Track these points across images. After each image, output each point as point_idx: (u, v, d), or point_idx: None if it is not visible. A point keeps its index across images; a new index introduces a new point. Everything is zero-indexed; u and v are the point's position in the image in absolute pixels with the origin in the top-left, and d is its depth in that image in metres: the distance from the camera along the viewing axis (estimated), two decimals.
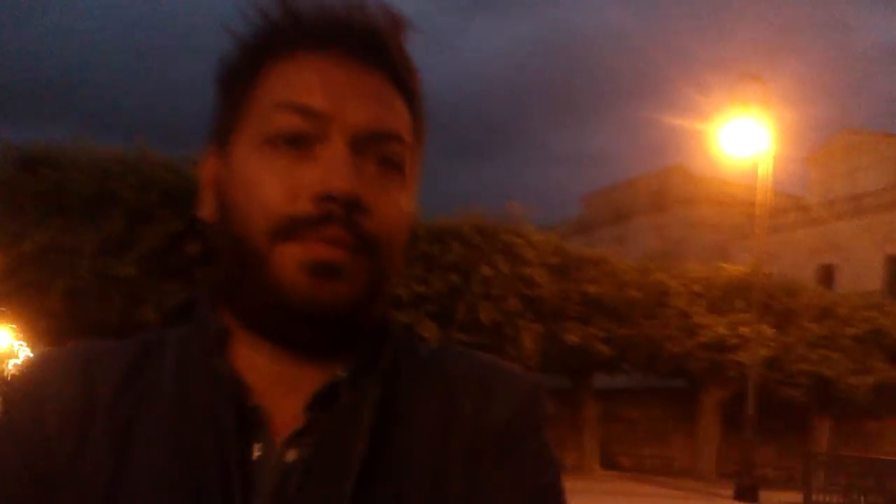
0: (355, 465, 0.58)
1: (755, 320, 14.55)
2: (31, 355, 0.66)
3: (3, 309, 10.43)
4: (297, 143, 0.59)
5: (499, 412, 0.62)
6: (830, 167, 30.52)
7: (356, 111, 0.60)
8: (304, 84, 0.60)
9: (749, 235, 19.53)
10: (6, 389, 0.62)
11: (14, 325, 11.02)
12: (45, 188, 9.46)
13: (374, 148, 0.60)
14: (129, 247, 9.60)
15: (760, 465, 14.32)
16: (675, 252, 23.42)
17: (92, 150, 9.83)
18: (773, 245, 21.81)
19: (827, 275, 26.73)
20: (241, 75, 0.63)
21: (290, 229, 0.57)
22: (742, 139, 14.95)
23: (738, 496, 13.63)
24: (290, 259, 0.57)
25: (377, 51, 0.62)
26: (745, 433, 14.04)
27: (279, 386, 0.61)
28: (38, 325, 10.43)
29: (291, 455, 0.59)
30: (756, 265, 14.96)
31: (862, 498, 11.21)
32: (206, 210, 0.65)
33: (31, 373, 0.62)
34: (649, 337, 14.88)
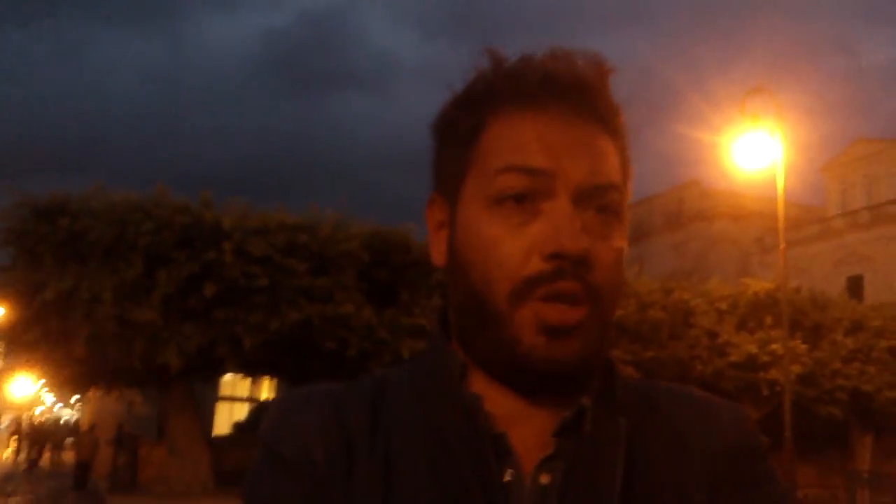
0: (616, 489, 0.61)
1: (785, 336, 14.25)
2: (273, 401, 0.70)
3: (27, 357, 10.45)
4: (524, 201, 0.63)
5: (725, 438, 0.67)
6: (846, 177, 30.15)
7: (576, 166, 0.63)
8: (525, 144, 0.64)
9: (769, 249, 19.27)
10: (269, 433, 0.67)
11: (37, 373, 11.06)
12: (63, 237, 9.52)
13: (594, 200, 0.63)
14: (148, 291, 9.61)
15: (802, 485, 13.89)
16: (696, 269, 23.13)
17: (108, 198, 9.91)
18: (795, 258, 21.47)
19: (856, 286, 26.22)
20: (462, 132, 0.67)
21: (527, 289, 0.61)
22: (755, 152, 14.81)
23: None
24: (528, 322, 0.61)
25: (589, 103, 0.66)
26: (783, 452, 13.66)
27: (514, 416, 0.65)
28: (62, 372, 10.44)
29: (545, 478, 0.62)
30: (782, 280, 14.70)
31: None
32: (436, 254, 0.70)
33: (288, 415, 0.67)
34: (677, 358, 14.59)
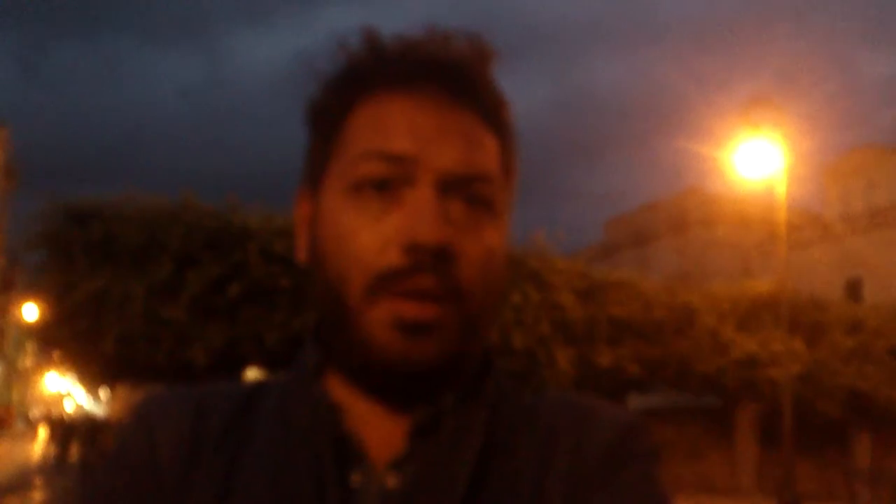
0: (460, 492, 0.58)
1: (785, 336, 14.62)
2: (148, 394, 0.71)
3: (59, 354, 10.90)
4: (385, 188, 0.59)
5: (598, 440, 0.62)
6: (847, 182, 30.62)
7: (443, 153, 0.59)
8: (390, 128, 0.60)
9: (769, 253, 19.63)
10: (121, 432, 0.65)
11: (67, 369, 11.48)
12: (96, 240, 9.95)
13: (462, 189, 0.60)
14: (176, 291, 10.03)
15: (801, 480, 14.28)
16: (697, 272, 23.56)
17: (139, 202, 10.34)
18: (795, 262, 21.87)
19: (854, 289, 26.63)
20: (329, 117, 0.64)
21: (381, 284, 0.57)
22: (757, 160, 15.23)
23: None
24: (381, 318, 0.57)
25: (465, 86, 0.62)
26: (783, 448, 14.02)
27: (373, 417, 0.62)
28: (92, 368, 10.87)
29: (393, 481, 0.59)
30: (782, 281, 15.10)
31: None
32: (300, 251, 0.66)
33: (148, 408, 0.65)
34: (679, 355, 15.00)
